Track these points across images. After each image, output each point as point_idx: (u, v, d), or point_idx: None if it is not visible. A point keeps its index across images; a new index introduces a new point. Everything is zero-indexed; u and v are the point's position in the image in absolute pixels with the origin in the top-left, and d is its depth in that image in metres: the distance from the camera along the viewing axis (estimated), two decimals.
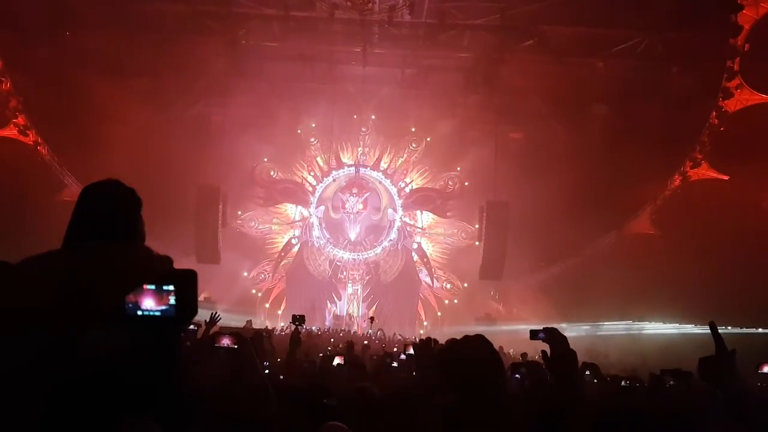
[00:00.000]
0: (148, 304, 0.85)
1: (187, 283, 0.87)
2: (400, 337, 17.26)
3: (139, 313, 0.85)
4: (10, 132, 16.87)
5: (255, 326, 16.71)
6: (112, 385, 0.88)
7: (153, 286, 0.84)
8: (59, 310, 0.69)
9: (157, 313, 0.85)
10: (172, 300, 0.85)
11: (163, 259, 0.87)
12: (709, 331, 2.19)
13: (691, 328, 17.01)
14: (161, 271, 0.84)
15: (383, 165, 22.29)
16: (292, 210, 22.69)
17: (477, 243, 20.82)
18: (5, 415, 0.64)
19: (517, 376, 5.70)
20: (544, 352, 2.40)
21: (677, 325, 17.64)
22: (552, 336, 3.15)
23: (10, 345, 0.65)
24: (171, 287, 0.85)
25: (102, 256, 0.77)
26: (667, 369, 6.66)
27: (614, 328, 18.97)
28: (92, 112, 16.86)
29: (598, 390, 6.51)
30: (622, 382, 6.71)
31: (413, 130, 22.19)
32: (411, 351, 4.89)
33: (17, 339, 0.66)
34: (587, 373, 8.22)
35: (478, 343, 2.58)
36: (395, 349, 12.32)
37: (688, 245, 15.86)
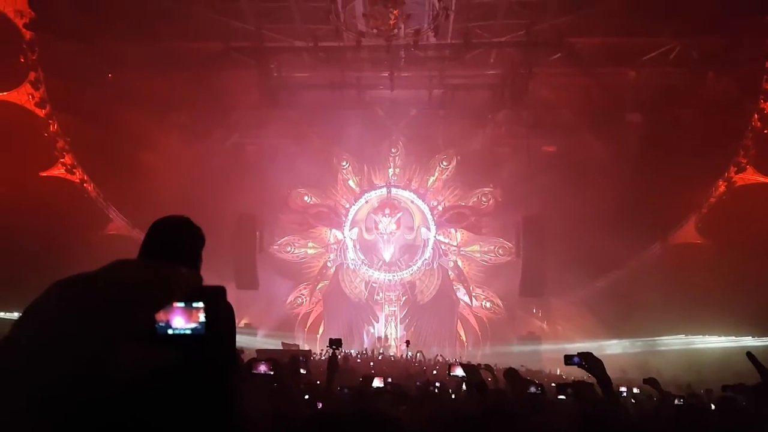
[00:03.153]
0: (178, 322, 0.84)
1: (216, 300, 0.86)
2: (441, 359, 17.02)
3: (170, 332, 0.83)
4: (58, 171, 17.62)
5: (295, 345, 16.86)
6: (143, 408, 0.85)
7: (182, 304, 0.83)
8: (88, 330, 0.70)
9: (188, 332, 0.84)
10: (201, 317, 0.84)
11: (191, 276, 0.86)
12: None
13: (748, 341, 16.26)
14: (190, 288, 0.83)
15: (414, 184, 22.31)
16: (326, 233, 22.86)
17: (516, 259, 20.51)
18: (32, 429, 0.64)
19: (562, 396, 5.51)
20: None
21: (733, 337, 16.86)
22: (588, 360, 3.06)
23: (40, 364, 0.66)
24: (200, 304, 0.84)
25: (129, 275, 0.78)
26: (729, 384, 6.31)
27: (666, 342, 18.26)
28: (134, 148, 17.55)
29: (650, 409, 6.24)
30: (676, 401, 6.39)
31: (444, 149, 22.18)
32: (457, 372, 4.79)
33: (49, 357, 0.67)
34: (636, 391, 7.89)
35: None
36: (435, 372, 12.17)
37: (738, 253, 15.22)
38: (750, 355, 2.27)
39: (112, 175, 17.72)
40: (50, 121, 16.89)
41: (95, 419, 0.72)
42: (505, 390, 5.47)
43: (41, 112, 16.53)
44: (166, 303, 0.81)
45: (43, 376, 0.65)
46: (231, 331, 1.01)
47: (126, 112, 17.18)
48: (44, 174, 17.25)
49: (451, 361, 15.48)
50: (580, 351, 3.18)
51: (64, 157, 17.55)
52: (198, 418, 0.93)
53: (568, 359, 3.19)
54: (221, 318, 0.87)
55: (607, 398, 2.99)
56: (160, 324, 0.84)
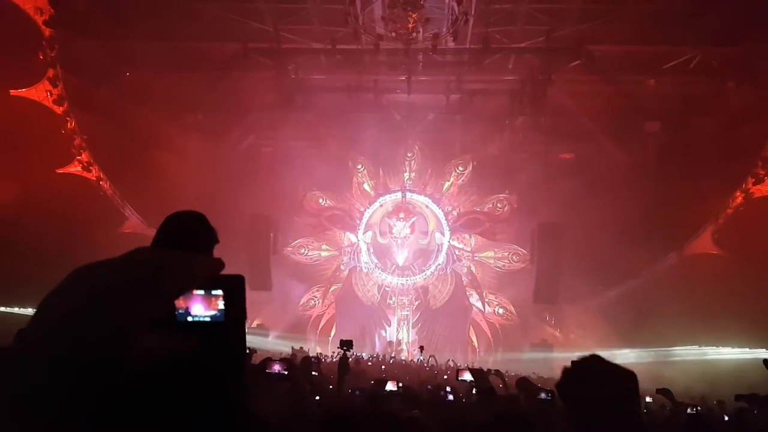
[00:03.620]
0: (198, 309, 0.83)
1: (235, 288, 0.85)
2: (452, 364, 16.92)
3: (190, 319, 0.83)
4: (75, 168, 17.77)
5: (305, 352, 16.86)
6: (163, 396, 0.87)
7: (202, 291, 0.83)
8: (109, 316, 0.70)
9: (207, 319, 0.84)
10: (221, 305, 0.84)
11: (211, 263, 0.86)
12: None
13: (763, 353, 16.04)
14: (209, 275, 0.82)
15: (429, 189, 22.27)
16: (340, 236, 22.89)
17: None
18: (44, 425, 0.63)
19: None
20: None
21: (748, 349, 16.63)
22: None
23: (62, 353, 0.64)
24: (219, 292, 0.83)
25: (149, 261, 0.78)
26: (742, 394, 6.24)
27: (679, 353, 18.05)
28: (150, 147, 17.70)
29: (661, 419, 6.17)
30: (689, 410, 6.35)
31: (460, 154, 22.11)
32: (465, 377, 4.76)
33: (71, 346, 0.67)
34: (648, 400, 7.82)
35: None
36: (446, 377, 12.10)
37: (754, 265, 15.02)
38: (767, 362, 2.23)
39: (128, 173, 17.87)
40: (68, 119, 17.00)
41: (117, 408, 0.72)
42: (516, 396, 5.44)
43: (59, 110, 16.64)
44: (186, 289, 0.80)
45: (66, 365, 0.64)
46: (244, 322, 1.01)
47: (143, 112, 17.33)
48: (61, 171, 17.38)
49: (460, 366, 15.39)
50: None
51: (81, 155, 17.67)
52: (214, 406, 0.95)
53: None
54: (241, 306, 0.85)
55: None
56: (180, 311, 0.83)
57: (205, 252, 1.80)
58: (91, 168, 17.96)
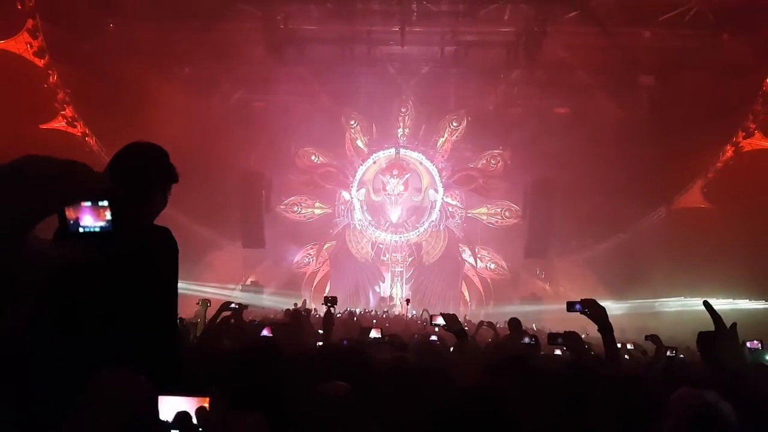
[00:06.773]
0: (88, 220, 0.89)
1: (119, 200, 0.90)
2: None
3: (81, 230, 0.89)
4: (59, 124, 17.36)
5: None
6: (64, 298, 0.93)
7: (89, 203, 0.88)
8: None
9: (97, 229, 0.89)
10: (108, 216, 0.89)
11: (95, 176, 0.86)
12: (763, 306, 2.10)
13: (745, 303, 16.43)
14: (96, 188, 0.87)
15: (423, 145, 22.11)
16: (334, 193, 22.83)
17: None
18: None
19: (558, 352, 5.64)
20: None
21: (731, 300, 17.01)
22: (590, 307, 3.08)
23: None
24: (105, 203, 0.89)
25: (36, 169, 0.79)
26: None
27: (666, 304, 18.44)
28: (137, 102, 17.29)
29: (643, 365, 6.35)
30: (668, 352, 6.59)
31: (455, 108, 21.86)
32: (438, 321, 4.84)
33: None
34: (629, 347, 8.14)
35: None
36: (437, 329, 12.33)
37: (742, 218, 15.18)
38: (706, 303, 2.28)
39: (115, 128, 17.49)
40: (50, 72, 16.45)
41: (16, 314, 0.74)
42: (503, 341, 5.62)
43: (40, 62, 16.06)
44: (70, 199, 0.85)
45: None
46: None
47: (128, 64, 16.87)
48: (45, 127, 16.98)
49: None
50: (583, 299, 3.21)
51: (64, 110, 17.21)
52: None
53: (571, 305, 3.22)
54: (126, 216, 0.92)
55: (607, 344, 3.02)
56: (71, 222, 0.89)
57: (160, 189, 1.77)
58: (75, 123, 17.55)
